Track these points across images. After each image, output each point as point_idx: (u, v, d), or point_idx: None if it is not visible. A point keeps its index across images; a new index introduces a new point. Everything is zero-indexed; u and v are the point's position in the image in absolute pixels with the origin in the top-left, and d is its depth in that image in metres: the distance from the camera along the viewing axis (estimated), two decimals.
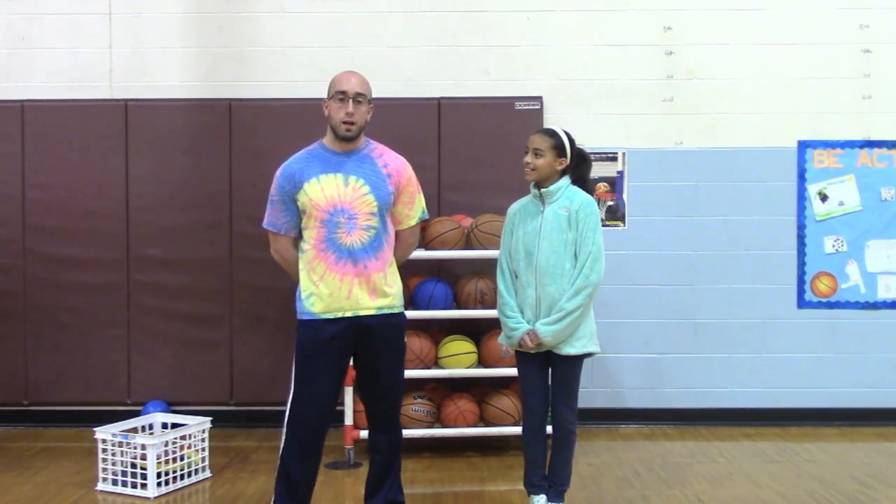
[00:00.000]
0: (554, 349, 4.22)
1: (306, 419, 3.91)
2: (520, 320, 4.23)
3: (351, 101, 3.87)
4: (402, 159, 4.06)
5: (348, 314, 3.88)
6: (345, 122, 3.87)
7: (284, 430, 3.98)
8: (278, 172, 3.96)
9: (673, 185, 6.28)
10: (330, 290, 3.86)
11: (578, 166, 4.32)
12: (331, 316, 3.87)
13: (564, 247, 4.19)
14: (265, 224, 4.01)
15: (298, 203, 3.90)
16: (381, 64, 6.20)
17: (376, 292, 3.90)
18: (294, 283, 4.02)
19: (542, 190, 4.25)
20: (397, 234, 4.06)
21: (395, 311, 4.00)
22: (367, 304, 3.89)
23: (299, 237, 3.97)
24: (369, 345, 3.94)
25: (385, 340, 3.96)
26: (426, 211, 4.18)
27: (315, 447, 3.94)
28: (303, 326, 3.92)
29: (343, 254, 3.85)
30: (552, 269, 4.18)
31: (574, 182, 4.30)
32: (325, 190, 3.86)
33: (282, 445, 4.00)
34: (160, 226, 6.16)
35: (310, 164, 3.91)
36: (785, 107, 6.29)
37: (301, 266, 3.94)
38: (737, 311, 6.27)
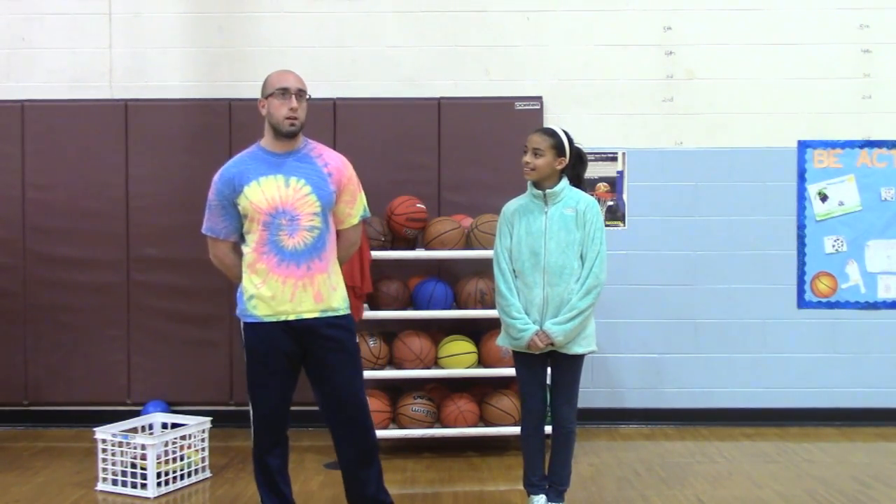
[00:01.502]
0: (560, 349, 4.22)
1: (267, 416, 3.94)
2: (527, 321, 4.22)
3: (294, 96, 3.81)
4: (342, 157, 4.01)
5: (291, 317, 3.82)
6: (289, 118, 3.80)
7: (252, 427, 3.99)
8: (216, 177, 3.90)
9: (673, 185, 6.28)
10: (272, 292, 3.81)
11: (575, 166, 4.33)
12: (274, 319, 3.82)
13: (571, 247, 4.20)
14: (204, 230, 3.97)
15: (239, 207, 3.84)
16: (381, 64, 6.21)
17: (320, 295, 3.84)
18: (228, 283, 4.00)
19: (547, 191, 4.25)
20: (339, 233, 4.00)
21: (341, 313, 3.91)
22: (309, 306, 3.83)
23: (240, 241, 3.93)
24: (317, 349, 3.87)
25: (333, 342, 3.87)
26: (368, 209, 4.12)
27: (281, 442, 3.99)
28: (248, 329, 3.89)
29: (285, 256, 3.80)
30: (561, 270, 4.19)
31: (570, 182, 4.31)
32: (265, 192, 3.80)
33: (252, 445, 4.02)
34: (160, 226, 6.16)
35: (249, 166, 3.85)
36: (785, 107, 6.29)
37: (243, 268, 3.89)
38: (737, 311, 6.27)
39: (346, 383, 3.93)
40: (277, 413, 3.94)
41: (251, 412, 3.98)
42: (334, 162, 3.94)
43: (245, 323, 3.90)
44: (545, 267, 4.20)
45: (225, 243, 3.96)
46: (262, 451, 3.98)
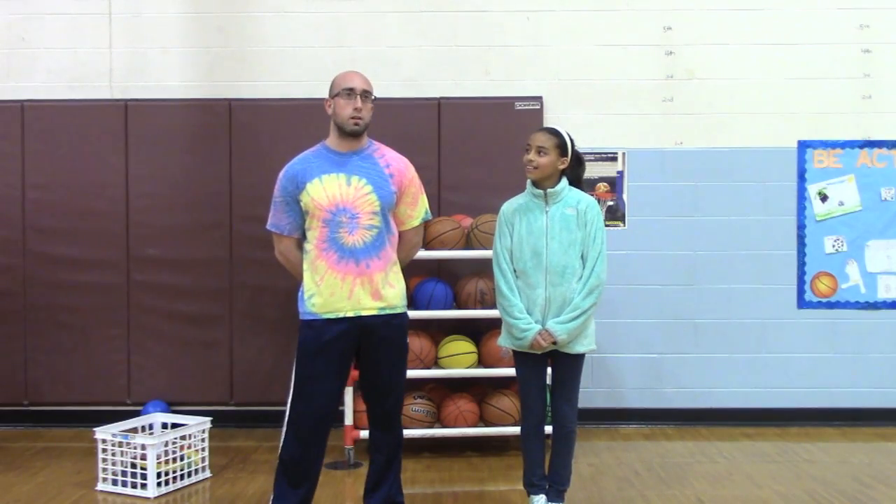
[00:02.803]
0: (563, 348, 4.23)
1: (308, 419, 3.90)
2: (530, 321, 4.22)
3: (359, 97, 3.89)
4: (405, 160, 4.07)
5: (350, 314, 3.87)
6: (353, 118, 3.88)
7: (284, 430, 3.97)
8: (281, 174, 3.96)
9: (673, 185, 6.28)
10: (331, 289, 3.85)
11: (574, 169, 4.34)
12: (332, 316, 3.87)
13: (573, 247, 4.21)
14: (269, 226, 4.02)
15: (301, 204, 3.90)
16: (381, 64, 6.20)
17: (378, 293, 3.90)
18: (297, 283, 4.01)
19: (549, 190, 4.25)
20: (400, 234, 4.06)
21: (398, 311, 3.99)
22: (368, 304, 3.89)
23: (303, 238, 3.97)
24: (371, 345, 3.94)
25: (387, 341, 3.95)
26: (430, 212, 4.19)
27: (317, 447, 3.94)
28: (305, 327, 3.92)
29: (345, 253, 3.85)
30: (563, 269, 4.20)
31: (570, 184, 4.32)
32: (327, 190, 3.86)
33: (281, 445, 3.99)
34: (160, 226, 6.16)
35: (312, 164, 3.92)
36: (785, 107, 6.29)
37: (304, 266, 3.94)
38: (737, 311, 6.27)
39: (392, 381, 4.01)
40: (320, 411, 3.91)
41: (289, 412, 3.96)
42: (396, 163, 4.01)
43: (302, 321, 3.92)
44: (548, 267, 4.21)
45: (289, 239, 4.00)
46: (291, 458, 3.91)
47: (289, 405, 3.99)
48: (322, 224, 3.86)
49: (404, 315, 4.04)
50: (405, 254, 4.12)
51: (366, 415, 4.14)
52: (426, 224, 5.63)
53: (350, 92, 3.89)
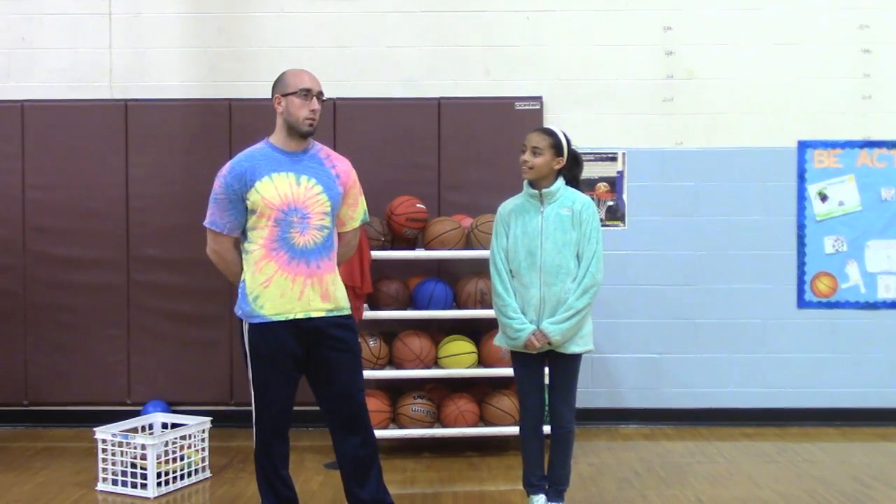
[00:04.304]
0: (558, 348, 4.22)
1: (270, 421, 3.92)
2: (524, 321, 4.22)
3: (315, 98, 3.86)
4: (347, 161, 4.05)
5: (300, 315, 3.82)
6: (308, 119, 3.85)
7: (255, 428, 3.96)
8: (225, 171, 3.88)
9: (673, 185, 6.28)
10: (281, 290, 3.80)
11: (572, 168, 4.35)
12: (282, 318, 3.81)
13: (567, 247, 4.21)
14: (206, 223, 3.94)
15: (248, 202, 3.82)
16: (381, 64, 6.21)
17: (328, 294, 3.86)
18: (229, 284, 3.97)
19: (544, 190, 4.25)
20: (339, 235, 4.02)
21: (345, 313, 3.94)
22: (318, 305, 3.85)
23: (242, 238, 3.92)
24: (322, 348, 3.88)
25: (339, 341, 3.90)
26: (367, 213, 4.17)
27: (282, 443, 3.97)
28: (253, 330, 3.86)
29: (296, 254, 3.81)
30: (557, 269, 4.20)
31: (567, 184, 4.32)
32: (278, 188, 3.81)
33: (255, 447, 3.99)
34: (160, 226, 6.16)
35: (260, 162, 3.86)
36: (785, 107, 6.29)
37: (246, 267, 3.88)
38: (737, 311, 6.27)
39: (350, 383, 3.95)
40: (282, 415, 3.93)
41: (254, 413, 3.96)
42: (341, 164, 3.99)
43: (250, 324, 3.87)
44: (542, 266, 4.21)
45: (227, 238, 3.94)
46: (264, 453, 3.96)
47: (253, 409, 3.96)
48: (272, 223, 3.80)
49: (352, 317, 4.01)
50: (342, 254, 4.07)
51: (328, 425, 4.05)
52: (426, 224, 5.68)
53: (307, 93, 3.84)
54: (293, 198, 3.81)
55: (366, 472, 4.00)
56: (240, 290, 3.90)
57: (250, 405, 6.19)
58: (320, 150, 3.98)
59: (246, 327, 3.90)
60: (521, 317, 4.23)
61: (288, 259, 3.81)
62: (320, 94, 3.90)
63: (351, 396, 3.95)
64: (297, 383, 3.96)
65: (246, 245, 3.90)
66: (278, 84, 3.92)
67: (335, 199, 3.90)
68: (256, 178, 3.82)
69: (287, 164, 3.86)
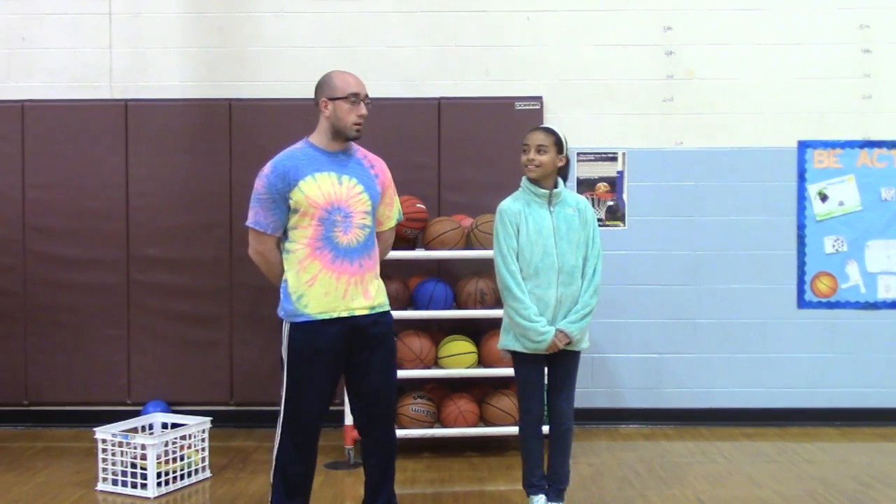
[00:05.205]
0: (569, 346, 4.27)
1: (303, 422, 3.86)
2: (545, 323, 4.23)
3: (362, 103, 3.89)
4: (383, 161, 4.08)
5: (344, 314, 3.84)
6: (357, 124, 3.88)
7: (278, 431, 3.90)
8: (267, 170, 3.88)
9: (673, 185, 6.27)
10: (325, 289, 3.82)
11: (564, 167, 4.39)
12: (326, 316, 3.82)
13: (579, 247, 4.29)
14: (250, 223, 3.93)
15: (291, 201, 3.83)
16: (381, 64, 6.21)
17: (368, 292, 3.90)
18: (272, 285, 3.97)
19: (554, 191, 4.29)
20: (378, 234, 4.05)
21: (385, 309, 3.99)
22: (360, 303, 3.87)
23: (283, 237, 3.92)
24: (363, 345, 3.90)
25: (378, 340, 3.92)
26: (402, 212, 4.22)
27: (312, 449, 3.92)
28: (296, 330, 3.84)
29: (340, 252, 3.83)
30: (573, 269, 4.27)
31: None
32: (322, 187, 3.83)
33: (276, 447, 3.91)
34: (160, 226, 6.16)
35: (302, 161, 3.87)
36: (785, 107, 6.29)
37: (288, 267, 3.88)
38: (737, 311, 6.27)
39: (385, 382, 3.98)
40: (316, 417, 3.88)
41: (282, 416, 3.88)
42: (379, 164, 4.04)
43: (292, 324, 3.85)
44: (560, 267, 4.24)
45: (271, 238, 3.93)
46: (288, 459, 3.88)
47: (282, 410, 3.88)
48: (316, 222, 3.81)
49: (391, 314, 4.04)
50: (381, 253, 4.10)
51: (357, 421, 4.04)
52: (426, 224, 5.68)
53: (356, 97, 3.87)
54: (336, 197, 3.83)
55: (385, 473, 4.01)
56: (282, 291, 3.89)
57: (252, 405, 6.21)
58: (357, 150, 4.02)
59: (287, 329, 3.86)
60: (543, 319, 4.23)
61: (332, 258, 3.83)
62: (367, 98, 3.92)
63: (386, 395, 3.99)
64: (335, 385, 3.92)
65: (287, 244, 3.90)
66: (324, 87, 3.92)
67: (375, 199, 3.94)
68: (300, 178, 3.83)
69: (328, 163, 3.88)
